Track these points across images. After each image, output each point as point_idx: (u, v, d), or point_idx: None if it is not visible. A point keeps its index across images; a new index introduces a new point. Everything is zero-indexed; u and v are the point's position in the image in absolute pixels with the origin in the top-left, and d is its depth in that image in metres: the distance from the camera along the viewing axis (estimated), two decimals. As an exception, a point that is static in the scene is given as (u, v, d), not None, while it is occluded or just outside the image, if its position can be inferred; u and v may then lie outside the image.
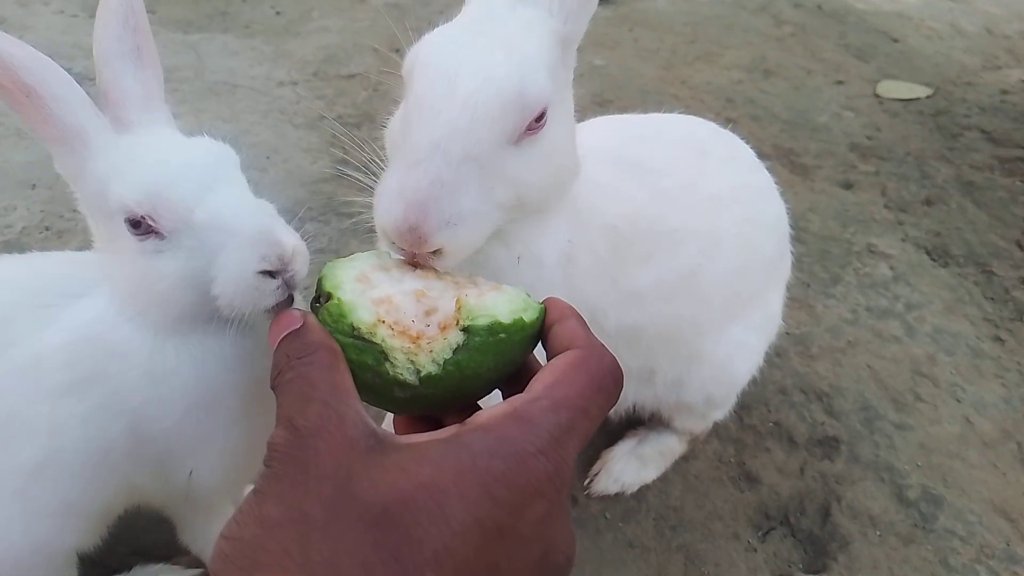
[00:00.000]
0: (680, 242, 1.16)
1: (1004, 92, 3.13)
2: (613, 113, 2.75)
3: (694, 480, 1.56)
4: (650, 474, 1.52)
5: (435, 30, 0.85)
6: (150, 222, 0.77)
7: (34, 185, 2.06)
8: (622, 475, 1.49)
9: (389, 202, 0.77)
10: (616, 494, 1.49)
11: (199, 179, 0.79)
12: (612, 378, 0.67)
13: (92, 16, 3.08)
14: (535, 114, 0.80)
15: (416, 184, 0.76)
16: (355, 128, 2.43)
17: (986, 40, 3.66)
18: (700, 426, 1.48)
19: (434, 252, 0.78)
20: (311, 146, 2.37)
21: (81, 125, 0.79)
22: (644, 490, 1.52)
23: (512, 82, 0.78)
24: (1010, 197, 2.49)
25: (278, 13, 3.17)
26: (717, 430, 1.61)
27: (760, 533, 1.49)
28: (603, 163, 1.09)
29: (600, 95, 2.83)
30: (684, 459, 1.57)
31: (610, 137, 1.19)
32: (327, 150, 2.33)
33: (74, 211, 1.92)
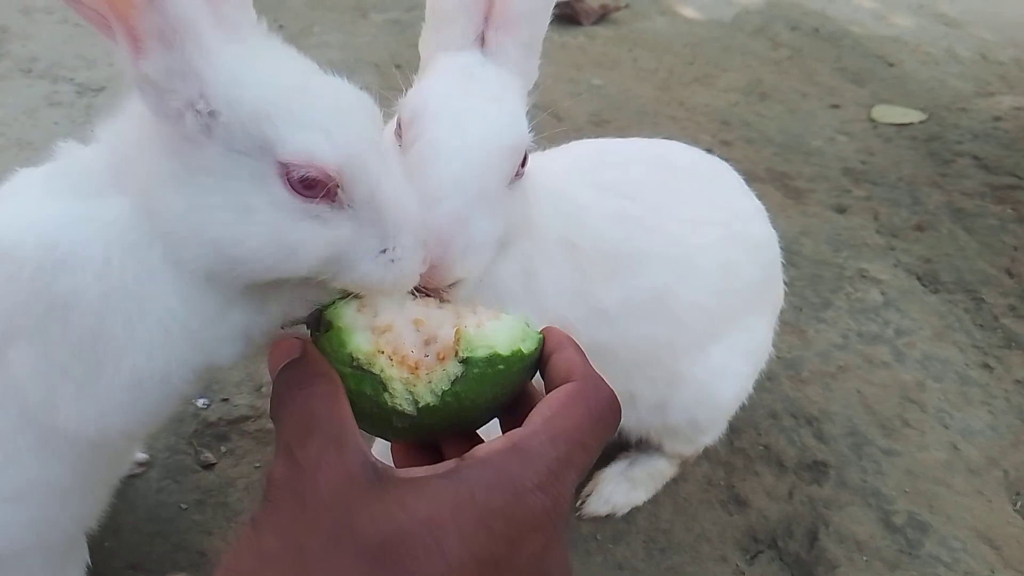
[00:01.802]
0: (646, 263, 1.19)
1: (996, 119, 3.17)
2: (611, 134, 2.79)
3: (684, 502, 1.58)
4: (640, 496, 1.54)
5: (425, 83, 0.91)
6: (338, 189, 0.68)
7: (35, 196, 2.07)
8: (612, 497, 1.51)
9: None
10: (606, 516, 1.51)
11: (382, 144, 0.72)
12: (609, 411, 0.68)
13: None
14: (523, 156, 0.90)
15: (440, 221, 0.81)
16: (355, 144, 2.45)
17: (980, 66, 3.70)
18: (689, 450, 1.51)
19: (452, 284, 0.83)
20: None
21: (194, 16, 0.65)
22: (634, 512, 1.53)
23: (511, 131, 0.87)
24: (1000, 225, 2.52)
25: (280, 26, 3.20)
26: (707, 453, 1.62)
27: (748, 556, 1.50)
28: (571, 184, 1.14)
29: (597, 115, 2.86)
30: (674, 481, 1.59)
31: (582, 160, 1.23)
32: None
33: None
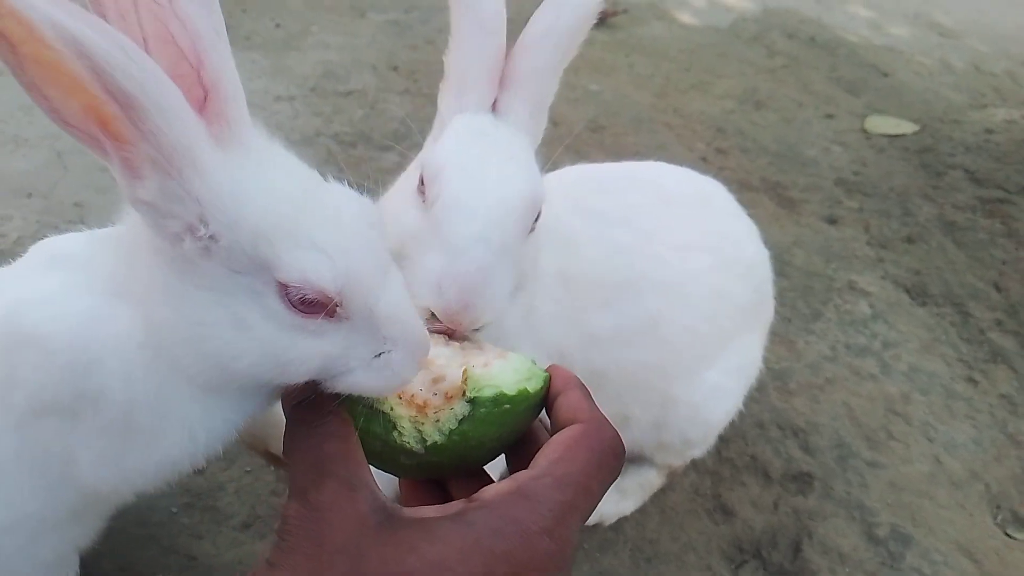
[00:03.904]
0: (638, 291, 1.21)
1: (989, 131, 3.20)
2: (607, 140, 2.80)
3: (671, 512, 1.60)
4: (628, 506, 1.55)
5: (444, 143, 0.96)
6: (337, 307, 0.67)
7: (30, 194, 2.08)
8: (600, 506, 1.52)
9: (438, 286, 0.87)
10: (594, 525, 1.53)
11: (382, 257, 0.71)
12: (613, 454, 0.69)
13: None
14: (539, 210, 0.97)
15: (466, 269, 0.87)
16: (351, 147, 2.46)
17: (974, 77, 3.73)
18: (679, 462, 1.52)
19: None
20: (306, 164, 2.40)
21: (190, 142, 0.61)
22: (622, 521, 1.55)
23: (529, 186, 0.94)
24: (989, 239, 2.54)
25: (278, 26, 3.20)
26: (695, 462, 1.64)
27: (733, 566, 1.52)
28: (565, 213, 1.16)
29: (594, 121, 2.87)
30: (662, 491, 1.61)
31: (574, 187, 1.25)
32: (322, 168, 2.36)
33: (70, 221, 1.94)
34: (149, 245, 0.68)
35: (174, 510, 1.42)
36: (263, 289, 0.66)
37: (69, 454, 0.80)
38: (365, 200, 0.72)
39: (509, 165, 0.95)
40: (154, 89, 0.57)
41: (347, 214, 0.69)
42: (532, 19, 1.00)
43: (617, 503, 1.54)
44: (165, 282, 0.68)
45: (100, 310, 0.73)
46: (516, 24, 1.01)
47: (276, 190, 0.66)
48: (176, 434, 0.75)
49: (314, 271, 0.64)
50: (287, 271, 0.64)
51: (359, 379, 0.70)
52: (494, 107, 1.02)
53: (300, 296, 0.65)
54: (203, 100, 0.64)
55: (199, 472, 1.49)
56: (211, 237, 0.64)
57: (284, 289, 0.65)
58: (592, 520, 1.52)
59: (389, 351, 0.70)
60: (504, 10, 1.00)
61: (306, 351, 0.68)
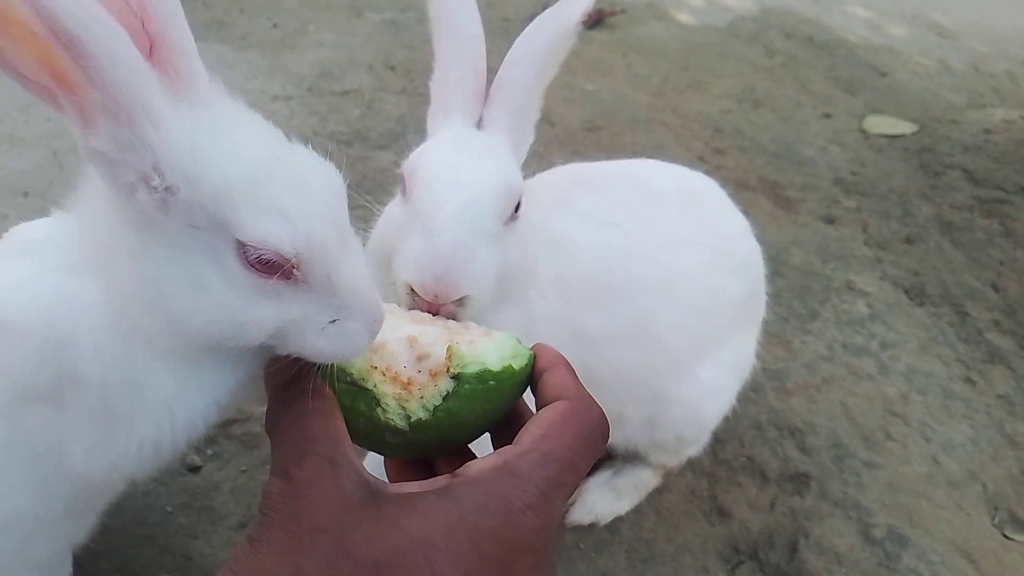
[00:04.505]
0: (628, 291, 1.22)
1: (987, 131, 3.20)
2: (604, 140, 2.80)
3: (667, 513, 1.60)
4: (624, 506, 1.55)
5: (424, 146, 1.03)
6: (295, 270, 0.67)
7: (26, 193, 2.08)
8: (596, 506, 1.53)
9: (418, 262, 0.92)
10: (590, 525, 1.53)
11: (343, 226, 0.71)
12: (599, 431, 0.69)
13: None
14: (516, 200, 1.00)
15: (442, 245, 0.92)
16: (347, 146, 2.46)
17: (972, 77, 3.73)
18: (674, 461, 1.52)
19: (459, 302, 0.92)
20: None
21: (140, 87, 0.61)
22: (617, 522, 1.55)
23: (500, 175, 0.98)
24: (987, 239, 2.54)
25: (275, 25, 3.19)
26: (691, 463, 1.64)
27: (729, 567, 1.52)
28: (557, 215, 1.19)
29: (591, 121, 2.87)
30: (658, 491, 1.60)
31: (563, 188, 1.26)
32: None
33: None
34: (109, 209, 0.68)
35: (170, 510, 1.42)
36: (221, 247, 0.66)
37: (59, 443, 0.79)
38: (330, 166, 0.72)
39: (483, 158, 1.00)
40: (98, 30, 0.57)
41: (311, 179, 0.69)
42: (516, 41, 1.07)
43: (612, 503, 1.54)
44: (126, 245, 0.68)
45: (66, 288, 0.73)
46: (513, 24, 1.02)
47: (240, 149, 0.66)
48: (154, 411, 0.75)
49: (275, 234, 0.64)
50: (247, 231, 0.64)
51: (313, 343, 0.70)
52: (479, 124, 1.08)
53: (257, 256, 0.65)
54: (149, 51, 0.64)
55: (195, 470, 1.49)
56: (167, 189, 0.64)
57: (242, 247, 0.65)
58: (588, 520, 1.52)
59: (344, 319, 0.70)
60: (481, 34, 1.07)
61: (262, 314, 0.68)
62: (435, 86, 1.09)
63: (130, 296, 0.69)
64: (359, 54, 3.06)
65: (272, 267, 0.66)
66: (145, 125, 0.62)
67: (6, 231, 0.88)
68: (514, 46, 1.07)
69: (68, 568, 1.06)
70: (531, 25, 1.08)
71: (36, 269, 0.77)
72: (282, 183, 0.66)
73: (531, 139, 1.12)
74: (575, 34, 1.08)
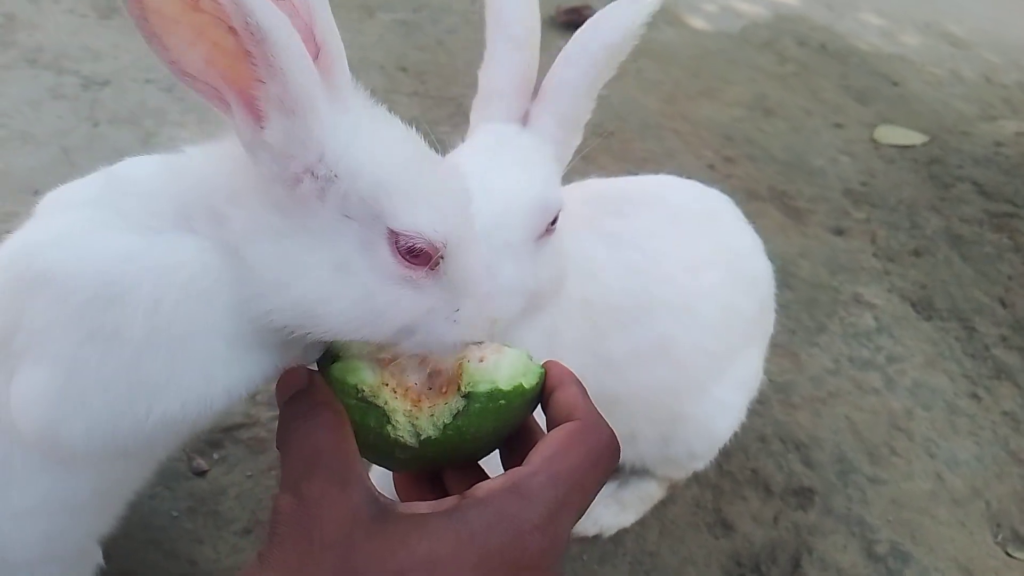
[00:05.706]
0: (652, 314, 1.21)
1: (998, 144, 3.19)
2: (614, 145, 2.79)
3: (671, 525, 1.60)
4: (628, 518, 1.55)
5: (461, 148, 1.01)
6: (440, 259, 0.71)
7: (37, 191, 2.06)
8: (601, 518, 1.53)
9: None
10: (594, 536, 1.53)
11: (474, 224, 0.76)
12: (609, 452, 0.69)
13: (103, 17, 3.04)
14: (553, 215, 0.97)
15: None
16: (358, 148, 2.46)
17: (984, 89, 3.72)
18: (680, 474, 1.52)
19: None
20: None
21: (312, 84, 0.65)
22: (621, 533, 1.55)
23: (535, 188, 0.96)
24: (996, 253, 2.54)
25: (288, 24, 3.19)
26: (696, 475, 1.64)
27: (731, 581, 1.53)
28: (584, 237, 1.17)
29: (601, 126, 2.87)
30: (662, 503, 1.61)
31: (587, 207, 1.24)
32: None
33: (76, 220, 1.94)
34: (253, 183, 0.70)
35: (175, 514, 1.42)
36: (372, 237, 0.69)
37: (51, 418, 0.74)
38: (463, 174, 0.78)
39: (519, 168, 0.96)
40: (284, 28, 0.62)
41: (452, 180, 0.75)
42: (574, 36, 1.02)
43: (617, 515, 1.54)
44: (265, 220, 0.70)
45: (133, 249, 0.71)
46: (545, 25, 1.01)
47: (394, 145, 0.71)
48: (190, 384, 0.73)
49: (427, 224, 0.68)
50: (401, 220, 0.68)
51: (443, 333, 0.73)
52: (525, 120, 1.03)
53: (409, 245, 0.69)
54: (315, 56, 0.68)
55: (200, 475, 1.50)
56: (329, 179, 0.68)
57: (395, 237, 0.68)
58: (592, 532, 1.53)
59: (465, 308, 0.74)
60: (538, 27, 1.03)
61: (401, 301, 0.71)
62: (483, 76, 1.06)
63: (260, 270, 0.70)
64: (371, 54, 3.06)
65: (420, 257, 0.70)
66: (314, 120, 0.66)
67: (15, 229, 0.86)
68: (571, 42, 1.02)
69: (97, 558, 1.06)
70: (591, 21, 1.03)
71: (95, 227, 0.74)
72: (431, 178, 0.72)
73: (579, 140, 1.08)
74: (639, 34, 1.03)
